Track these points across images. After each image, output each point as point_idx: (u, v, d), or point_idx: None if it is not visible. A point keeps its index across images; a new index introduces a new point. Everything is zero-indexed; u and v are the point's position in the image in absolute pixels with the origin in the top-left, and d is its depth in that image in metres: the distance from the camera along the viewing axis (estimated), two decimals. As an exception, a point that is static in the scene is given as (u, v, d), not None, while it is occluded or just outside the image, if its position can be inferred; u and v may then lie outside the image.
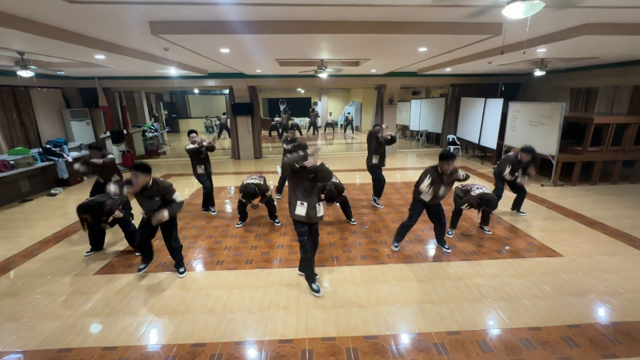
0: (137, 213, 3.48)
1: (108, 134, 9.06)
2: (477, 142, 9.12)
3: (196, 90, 17.21)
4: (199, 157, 5.11)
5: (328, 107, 18.83)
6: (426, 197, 3.67)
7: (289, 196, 3.18)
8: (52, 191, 6.77)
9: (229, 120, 10.94)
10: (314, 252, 3.42)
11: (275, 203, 5.03)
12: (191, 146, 4.98)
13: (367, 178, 5.60)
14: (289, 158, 3.07)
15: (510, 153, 5.01)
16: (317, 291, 3.26)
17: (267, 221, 5.04)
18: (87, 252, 4.12)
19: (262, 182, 4.67)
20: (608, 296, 3.14)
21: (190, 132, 5.15)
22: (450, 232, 4.48)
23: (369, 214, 5.34)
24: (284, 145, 5.63)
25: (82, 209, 3.59)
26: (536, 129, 6.95)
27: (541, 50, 5.23)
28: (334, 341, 2.64)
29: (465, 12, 3.30)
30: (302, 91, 18.55)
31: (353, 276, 3.56)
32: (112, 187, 3.26)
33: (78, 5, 2.88)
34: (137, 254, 4.07)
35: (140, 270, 3.68)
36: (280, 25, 3.57)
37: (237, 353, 2.54)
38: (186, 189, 7.01)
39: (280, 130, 14.74)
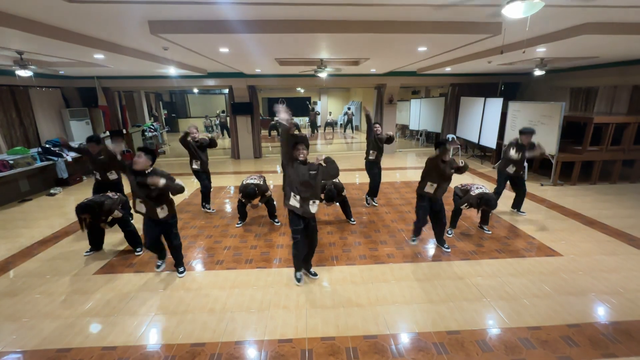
0: (137, 214, 3.46)
1: (107, 133, 9.06)
2: (476, 141, 9.12)
3: (196, 90, 17.18)
4: (193, 152, 5.02)
5: (328, 107, 18.82)
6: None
7: (283, 184, 3.17)
8: (52, 191, 6.76)
9: (228, 119, 10.90)
10: (312, 250, 3.43)
11: (274, 203, 5.03)
12: (184, 137, 4.87)
13: (367, 177, 5.61)
14: (282, 127, 3.07)
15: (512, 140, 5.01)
16: (299, 280, 3.38)
17: (266, 221, 5.04)
18: (87, 251, 4.12)
19: (261, 182, 4.68)
20: (608, 295, 3.15)
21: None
22: (449, 232, 4.48)
23: (369, 214, 5.34)
24: None
25: (80, 209, 3.56)
26: (536, 128, 6.84)
27: (541, 50, 5.23)
28: (333, 341, 2.64)
29: (465, 12, 3.30)
30: (302, 90, 18.54)
31: (353, 276, 3.56)
32: (110, 144, 3.20)
33: (77, 5, 2.87)
34: (136, 253, 4.07)
35: (158, 267, 3.74)
36: (280, 24, 3.57)
37: (237, 353, 2.54)
38: (186, 188, 6.98)
39: (279, 130, 14.70)
